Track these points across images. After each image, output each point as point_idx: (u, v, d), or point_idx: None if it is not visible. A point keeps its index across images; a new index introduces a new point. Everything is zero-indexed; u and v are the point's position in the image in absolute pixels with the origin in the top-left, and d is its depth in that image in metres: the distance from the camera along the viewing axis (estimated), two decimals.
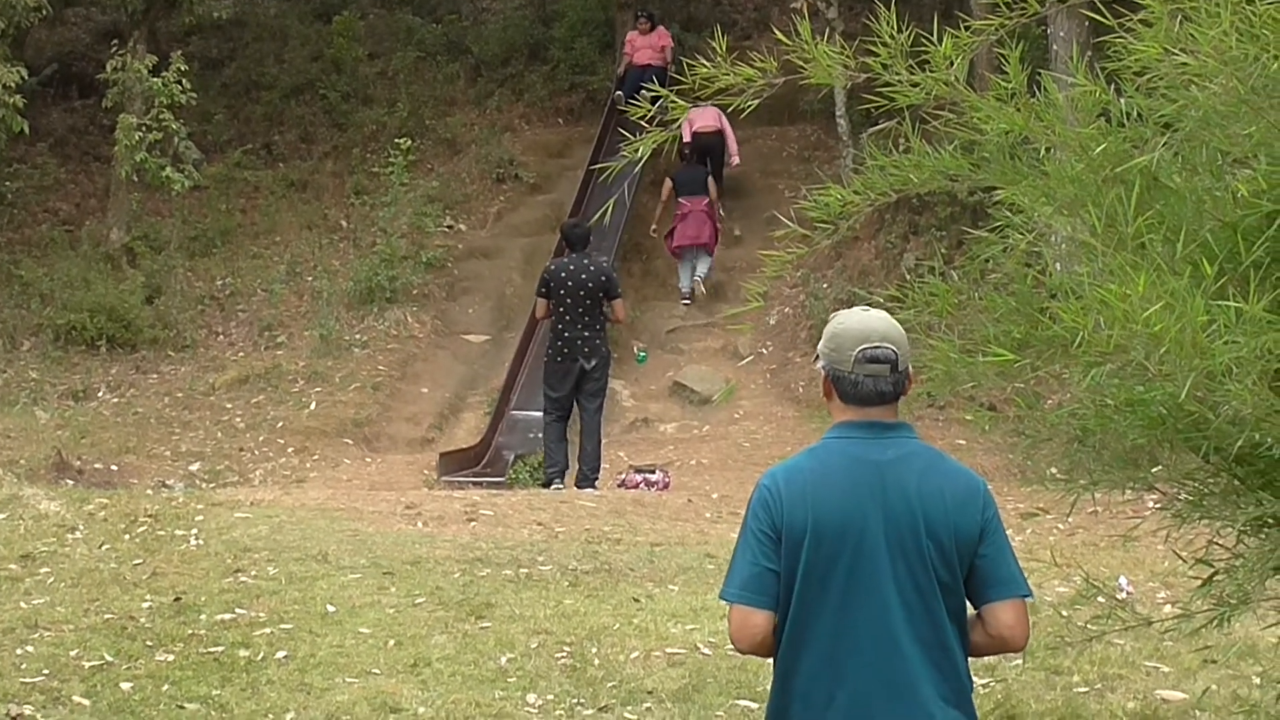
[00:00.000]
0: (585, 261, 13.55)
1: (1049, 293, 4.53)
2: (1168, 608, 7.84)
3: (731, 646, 4.04)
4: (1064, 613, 6.17)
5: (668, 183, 18.96)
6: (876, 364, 4.00)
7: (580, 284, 13.33)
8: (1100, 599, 5.30)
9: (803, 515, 3.95)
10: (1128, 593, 8.62)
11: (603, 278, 13.47)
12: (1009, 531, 4.08)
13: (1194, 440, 4.17)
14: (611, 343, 17.56)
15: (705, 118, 18.59)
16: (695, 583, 9.52)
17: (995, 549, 3.97)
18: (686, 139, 18.55)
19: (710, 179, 19.12)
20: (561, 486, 13.23)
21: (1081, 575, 5.88)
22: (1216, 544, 4.73)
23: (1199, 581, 4.79)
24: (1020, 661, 7.34)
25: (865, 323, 4.06)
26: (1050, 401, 5.16)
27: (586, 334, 13.32)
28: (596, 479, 13.54)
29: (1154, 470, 4.63)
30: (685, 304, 19.22)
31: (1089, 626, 5.38)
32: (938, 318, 4.74)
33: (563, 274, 13.40)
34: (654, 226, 19.55)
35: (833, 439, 4.10)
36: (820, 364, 4.12)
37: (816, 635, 3.89)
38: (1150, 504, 6.33)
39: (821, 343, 4.15)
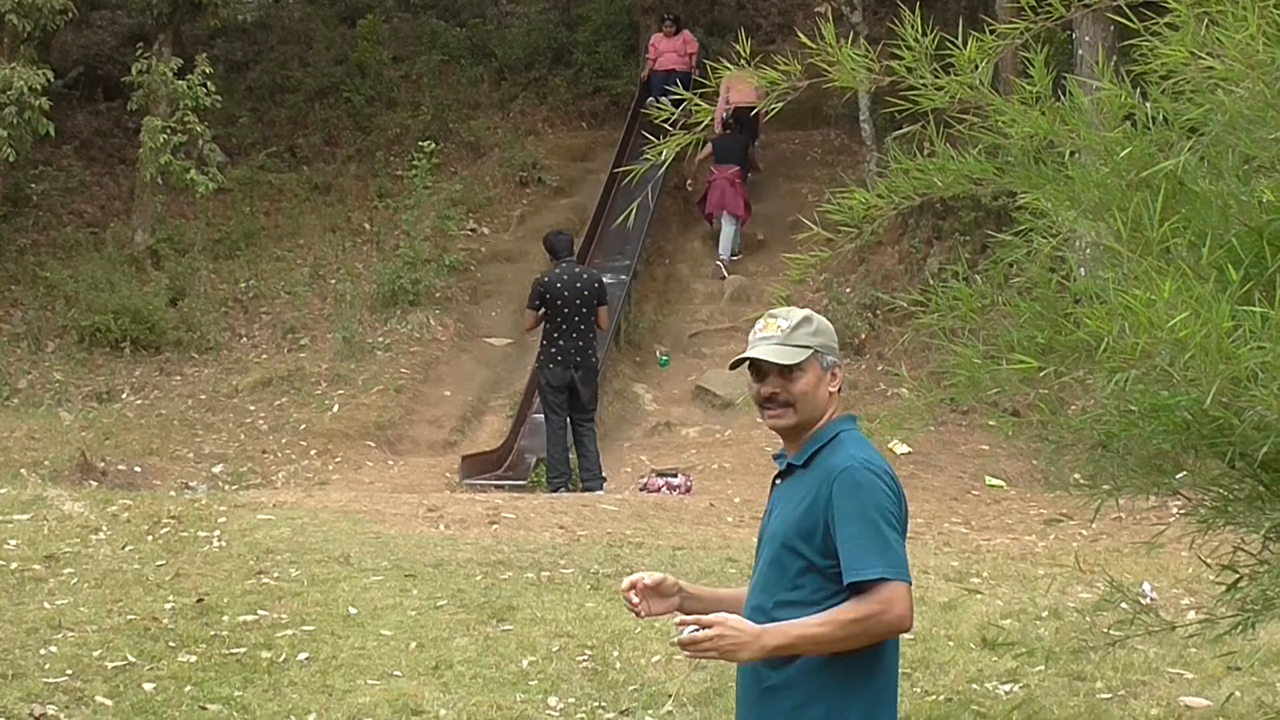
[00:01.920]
0: (577, 270, 13.80)
1: (1073, 297, 4.50)
2: (1192, 613, 7.81)
3: (903, 630, 3.98)
4: (1087, 618, 6.15)
5: (708, 146, 18.96)
6: None
7: (576, 293, 13.50)
8: (1124, 604, 5.29)
9: (905, 505, 4.07)
10: (1151, 598, 8.59)
11: (596, 284, 13.74)
12: (1032, 537, 4.08)
13: (1219, 446, 4.14)
14: (635, 347, 17.61)
15: (746, 93, 18.59)
16: (717, 586, 9.51)
17: None
18: (724, 106, 18.72)
19: (747, 150, 19.52)
20: (568, 494, 13.29)
21: (1105, 580, 5.85)
22: (1241, 550, 4.71)
23: (1223, 587, 4.77)
24: (1043, 666, 7.32)
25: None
26: (1074, 407, 5.13)
27: (580, 343, 13.56)
28: (604, 479, 13.66)
29: (1178, 476, 4.61)
30: (720, 264, 19.58)
31: (1112, 632, 5.37)
32: (961, 323, 4.72)
33: (557, 284, 13.53)
34: (690, 182, 19.95)
35: (857, 430, 4.17)
36: (831, 359, 4.15)
37: None
38: (1174, 510, 6.31)
39: (827, 337, 4.15)
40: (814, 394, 4.10)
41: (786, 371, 4.09)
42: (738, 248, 19.74)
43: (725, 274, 19.52)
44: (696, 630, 3.82)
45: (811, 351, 4.10)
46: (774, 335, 4.11)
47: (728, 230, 19.65)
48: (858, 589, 3.86)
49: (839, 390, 4.14)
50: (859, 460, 3.99)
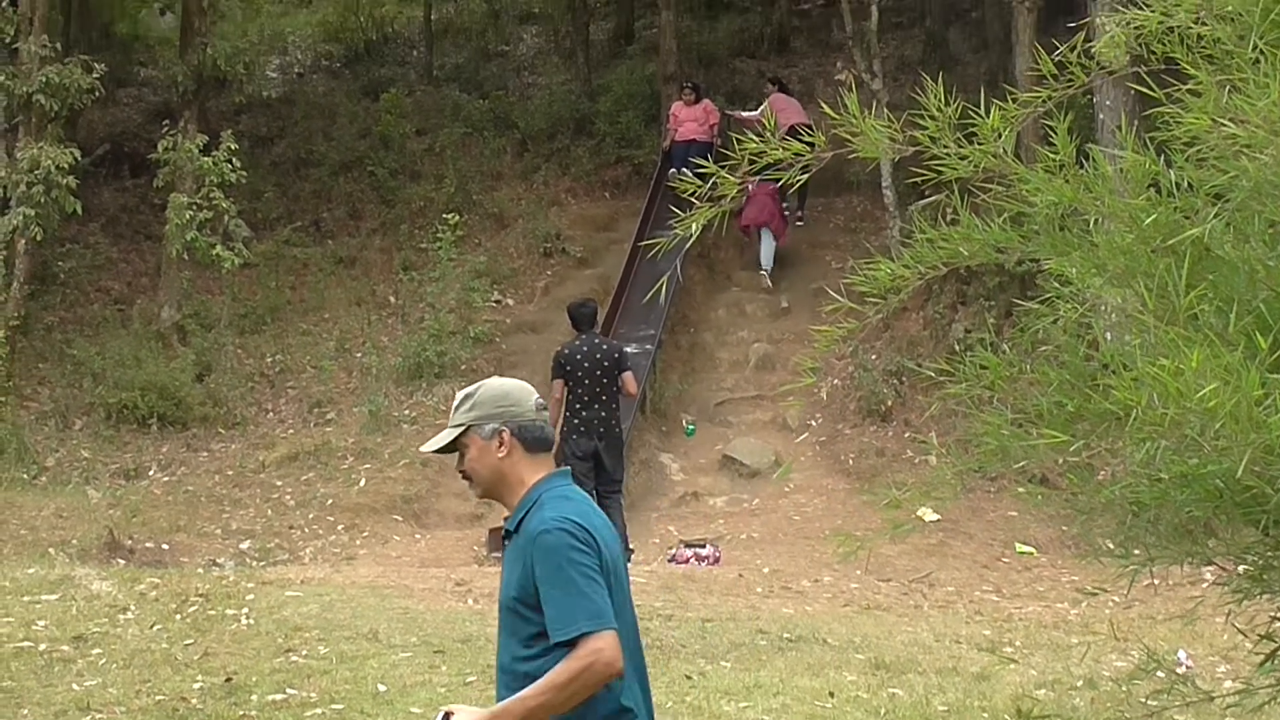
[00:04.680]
0: (597, 341, 13.84)
1: (1101, 363, 4.49)
2: (1229, 683, 7.74)
3: (615, 675, 4.21)
4: (1123, 688, 6.09)
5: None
6: (545, 411, 4.56)
7: (596, 364, 13.54)
8: (1160, 673, 5.24)
9: (607, 550, 4.32)
10: (1187, 667, 8.52)
11: (616, 354, 13.77)
12: (1064, 605, 4.05)
13: (1253, 514, 4.12)
14: (661, 416, 17.58)
15: (797, 114, 19.41)
16: (748, 659, 9.46)
17: None
18: (783, 127, 18.97)
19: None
20: None
21: (1140, 649, 5.80)
22: (1279, 619, 4.67)
23: (1261, 657, 4.73)
24: None
25: (515, 381, 4.63)
26: (1103, 474, 5.10)
27: (603, 413, 13.58)
28: (631, 550, 13.64)
29: (1211, 544, 4.57)
30: (764, 274, 20.28)
31: (1149, 702, 5.30)
32: (989, 391, 4.71)
33: (578, 355, 13.60)
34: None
35: (565, 487, 4.46)
36: (493, 425, 4.42)
37: (626, 650, 4.27)
38: (1208, 577, 6.26)
39: (482, 407, 4.45)
40: (480, 465, 4.43)
41: (453, 451, 4.47)
42: (771, 260, 20.38)
43: (769, 283, 20.21)
44: None
45: (463, 428, 4.44)
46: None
47: (768, 243, 20.22)
48: (566, 646, 4.14)
49: (508, 453, 4.41)
50: (550, 521, 4.24)
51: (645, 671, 4.51)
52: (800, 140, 4.85)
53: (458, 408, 4.48)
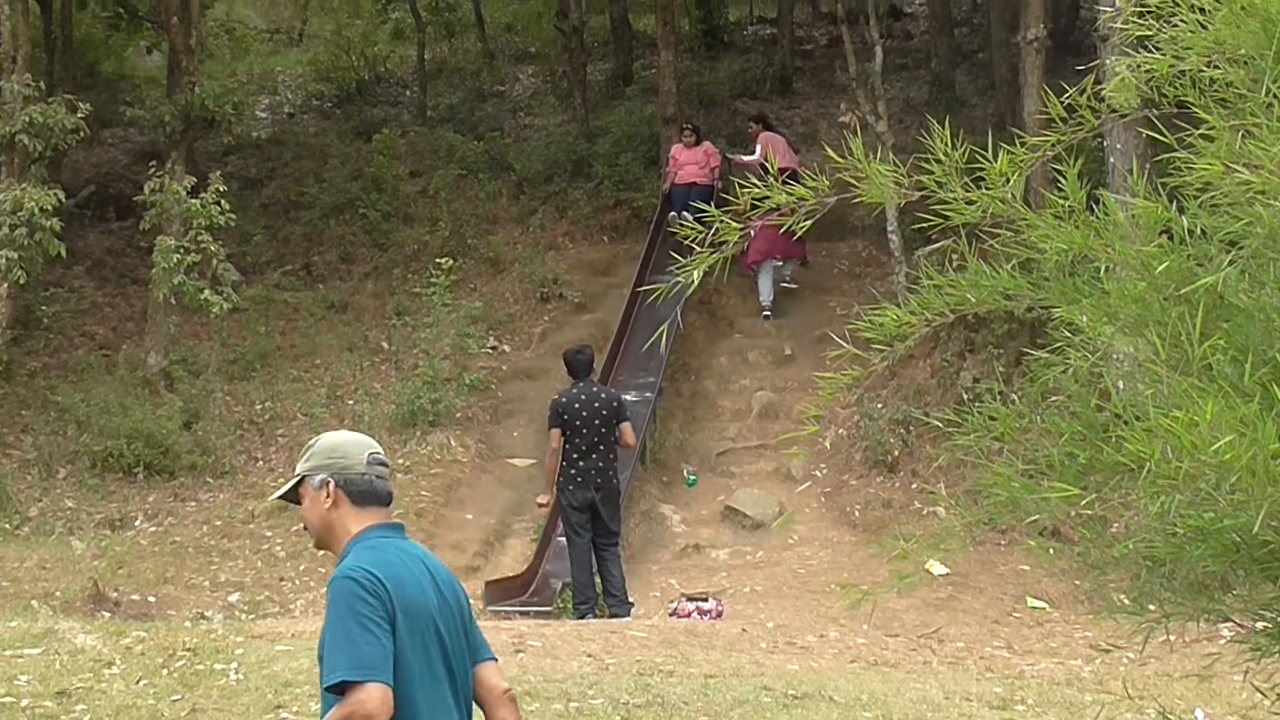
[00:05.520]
0: (595, 389, 13.89)
1: (1113, 414, 4.51)
2: None
3: None
4: None
5: None
6: (383, 466, 4.75)
7: (594, 413, 13.60)
8: None
9: (401, 601, 4.43)
10: None
11: (614, 403, 13.83)
12: (1077, 661, 4.06)
13: (1271, 570, 4.13)
14: (662, 466, 17.58)
15: (785, 153, 19.95)
16: (752, 716, 9.45)
17: (476, 623, 4.83)
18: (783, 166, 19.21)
19: None
20: (594, 619, 13.26)
21: (1156, 708, 5.81)
22: None
23: None
24: None
25: (357, 435, 4.85)
26: (1116, 527, 5.11)
27: (601, 463, 13.64)
28: (631, 605, 13.63)
29: (1228, 600, 4.58)
30: (766, 315, 20.57)
31: None
32: (999, 442, 4.72)
33: (575, 404, 13.66)
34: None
35: (380, 539, 4.62)
36: (321, 477, 4.65)
37: (418, 704, 4.40)
38: (1226, 634, 6.26)
39: (315, 459, 4.72)
40: (310, 515, 4.72)
41: (296, 501, 4.75)
42: (788, 276, 20.96)
43: (769, 319, 20.55)
44: None
45: (299, 479, 4.72)
46: None
47: (767, 279, 20.47)
48: (338, 693, 4.26)
49: (334, 504, 4.65)
50: (342, 570, 4.45)
51: None
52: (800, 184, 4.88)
53: (300, 458, 4.77)
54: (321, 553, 15.83)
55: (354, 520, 4.64)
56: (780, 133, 22.10)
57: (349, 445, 4.73)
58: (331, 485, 4.64)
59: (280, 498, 4.78)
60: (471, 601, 4.98)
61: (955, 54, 26.82)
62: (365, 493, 4.67)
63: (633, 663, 10.80)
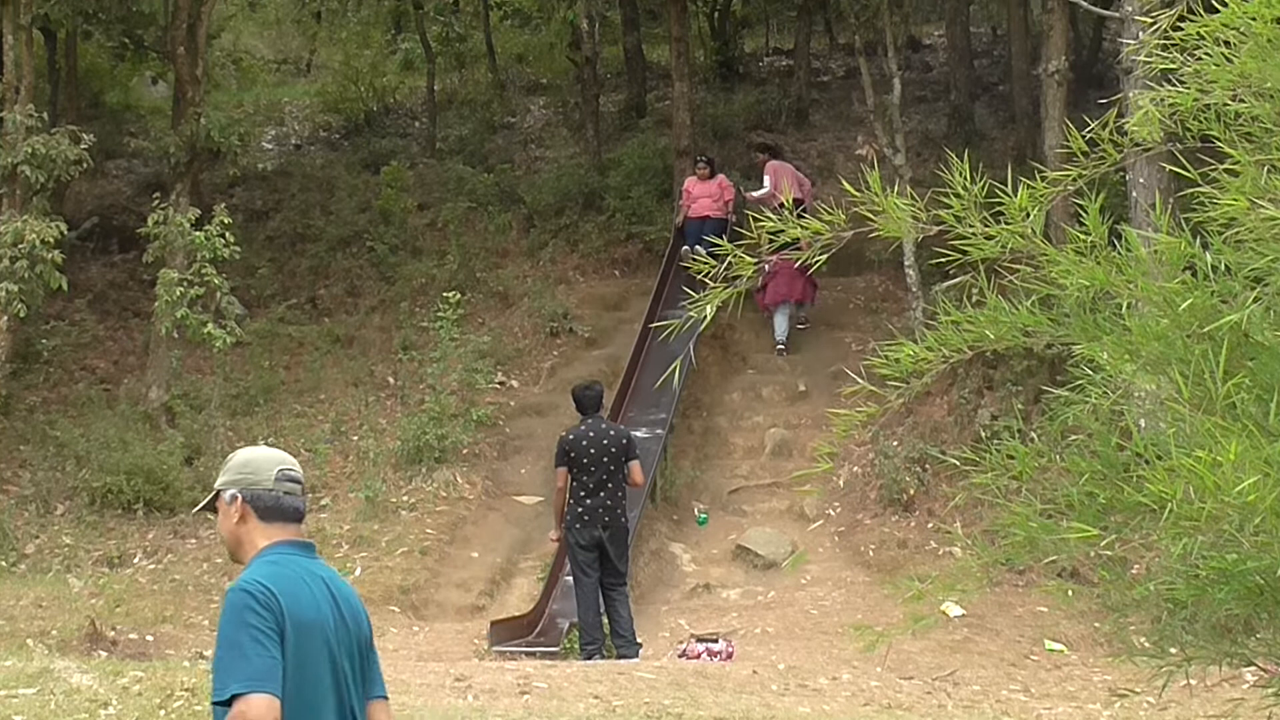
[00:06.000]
0: (603, 426, 13.85)
1: (1134, 453, 4.49)
2: None
3: None
4: None
5: None
6: (293, 482, 4.90)
7: (603, 450, 13.57)
8: None
9: (293, 616, 4.55)
10: None
11: (624, 441, 13.78)
12: (1096, 706, 4.04)
13: None
14: (672, 505, 17.56)
15: (793, 181, 20.51)
16: None
17: (376, 656, 4.95)
18: (799, 198, 19.56)
19: None
20: (602, 660, 13.22)
21: None
22: None
23: None
24: None
25: (272, 451, 5.00)
26: (1137, 569, 5.10)
27: (609, 501, 13.61)
28: (639, 646, 13.59)
29: (1251, 643, 4.56)
30: (780, 349, 20.67)
31: None
32: (1017, 481, 4.71)
33: (583, 441, 13.63)
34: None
35: (283, 554, 4.75)
36: (231, 492, 4.80)
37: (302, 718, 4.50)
38: (1249, 678, 6.24)
39: (228, 474, 4.89)
40: (223, 528, 4.89)
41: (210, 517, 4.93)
42: (803, 317, 21.12)
43: (784, 348, 20.68)
44: None
45: (214, 494, 4.91)
46: None
47: (781, 320, 20.58)
48: (224, 706, 4.36)
49: (241, 519, 4.82)
50: (235, 584, 4.58)
51: None
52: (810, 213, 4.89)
53: (219, 472, 4.98)
54: None
55: (261, 535, 4.80)
56: (787, 159, 22.20)
57: (259, 461, 4.89)
58: (239, 500, 4.80)
59: (201, 510, 4.98)
60: (374, 631, 5.06)
61: (975, 86, 26.87)
62: (272, 508, 4.82)
63: (640, 705, 10.76)
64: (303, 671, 4.51)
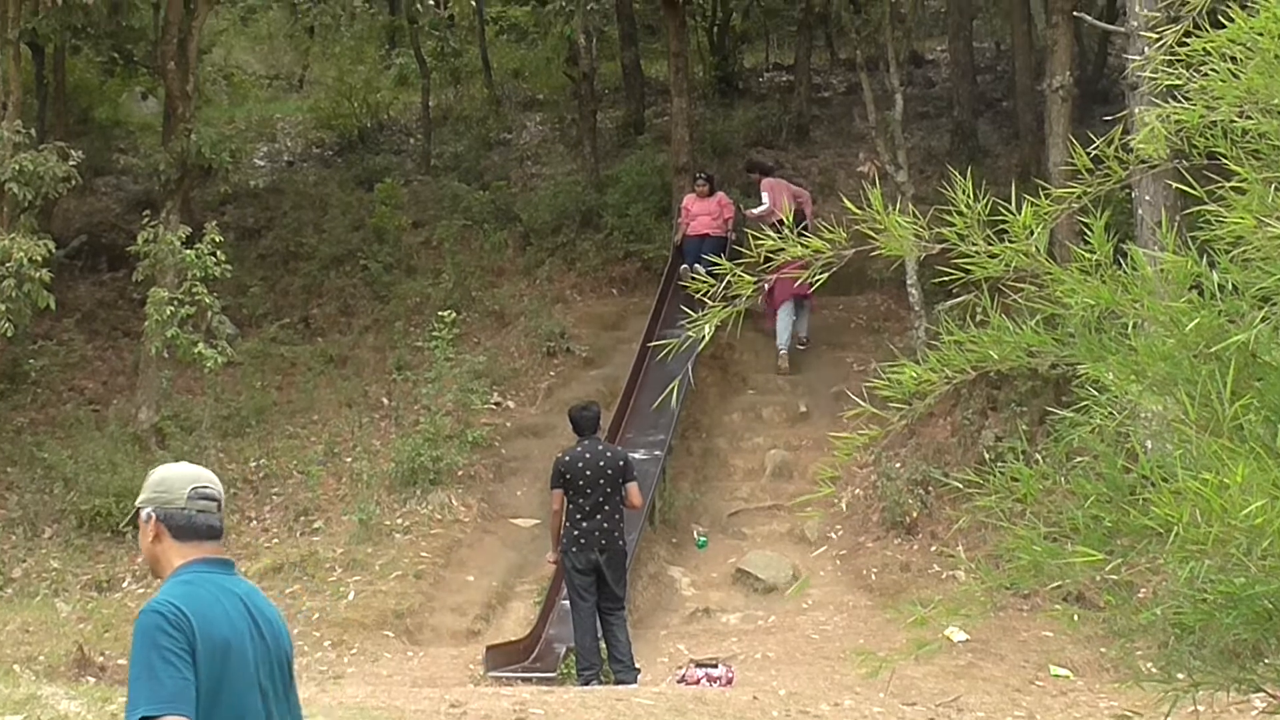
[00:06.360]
0: (600, 448, 13.84)
1: (1140, 475, 4.49)
2: None
3: None
4: None
5: None
6: (208, 500, 4.90)
7: (599, 471, 13.56)
8: None
9: (205, 636, 4.58)
10: None
11: (620, 462, 13.76)
12: None
13: None
14: (671, 527, 17.54)
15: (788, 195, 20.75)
16: None
17: (295, 684, 5.00)
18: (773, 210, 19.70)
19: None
20: (599, 685, 13.21)
21: None
22: None
23: None
24: None
25: (189, 468, 5.01)
26: (1143, 593, 5.09)
27: (605, 524, 13.60)
28: (637, 671, 13.57)
29: (1260, 669, 4.55)
30: (782, 355, 20.64)
31: None
32: (1021, 504, 4.71)
33: (579, 463, 13.62)
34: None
35: (197, 573, 4.79)
36: (147, 510, 4.89)
37: None
38: (1258, 704, 6.23)
39: (145, 491, 4.94)
40: (142, 547, 4.94)
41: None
42: (803, 336, 21.05)
43: (786, 364, 20.66)
44: None
45: (136, 510, 4.95)
46: None
47: (784, 322, 20.52)
48: None
49: (155, 537, 4.87)
50: (147, 605, 4.62)
51: None
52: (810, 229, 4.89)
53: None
54: (317, 615, 15.75)
55: (176, 554, 4.83)
56: (782, 175, 22.29)
57: (172, 479, 4.93)
58: (154, 519, 4.86)
59: (131, 524, 5.15)
60: (295, 655, 5.09)
61: (978, 102, 26.92)
62: (185, 527, 4.85)
63: None
64: (219, 691, 4.57)
